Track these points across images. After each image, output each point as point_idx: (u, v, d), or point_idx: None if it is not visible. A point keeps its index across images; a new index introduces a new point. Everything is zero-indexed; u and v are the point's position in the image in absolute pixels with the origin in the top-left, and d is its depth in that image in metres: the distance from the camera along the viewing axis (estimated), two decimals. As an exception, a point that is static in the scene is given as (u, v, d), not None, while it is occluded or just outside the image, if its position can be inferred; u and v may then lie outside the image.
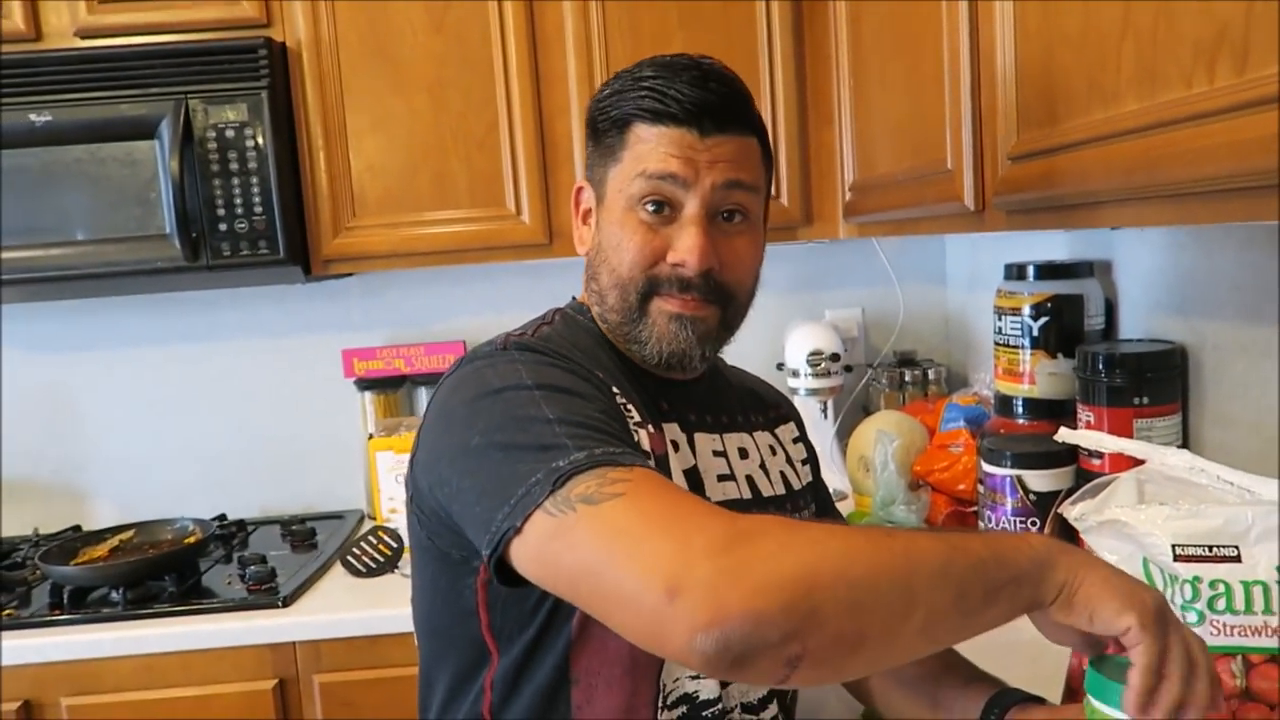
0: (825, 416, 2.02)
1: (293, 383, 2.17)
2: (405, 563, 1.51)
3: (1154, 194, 0.79)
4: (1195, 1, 0.69)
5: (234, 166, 1.70)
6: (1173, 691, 0.64)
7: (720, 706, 0.93)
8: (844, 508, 1.80)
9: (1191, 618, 0.84)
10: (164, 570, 1.68)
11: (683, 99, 0.90)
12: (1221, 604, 0.84)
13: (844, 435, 2.00)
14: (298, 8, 1.76)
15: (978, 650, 0.89)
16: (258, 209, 1.71)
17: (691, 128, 0.90)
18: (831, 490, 1.29)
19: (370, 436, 2.03)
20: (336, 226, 1.81)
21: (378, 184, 1.80)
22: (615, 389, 0.91)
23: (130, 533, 1.85)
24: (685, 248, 0.91)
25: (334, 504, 2.17)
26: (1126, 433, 1.31)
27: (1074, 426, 1.36)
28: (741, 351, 1.07)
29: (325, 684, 1.60)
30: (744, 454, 1.03)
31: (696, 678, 0.92)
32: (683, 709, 0.91)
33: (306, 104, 1.78)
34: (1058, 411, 1.51)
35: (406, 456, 0.95)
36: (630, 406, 0.91)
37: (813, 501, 1.12)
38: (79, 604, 1.65)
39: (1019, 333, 1.55)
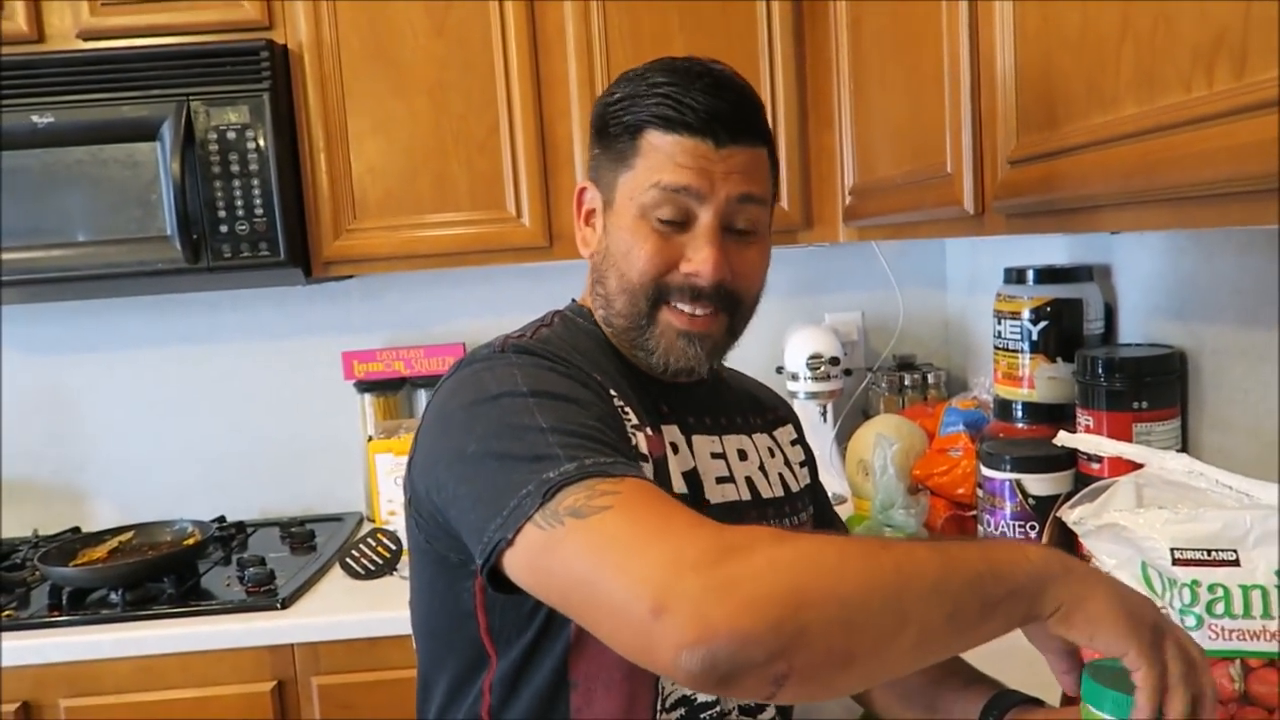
0: (825, 420, 2.02)
1: (293, 384, 2.17)
2: (404, 565, 1.51)
3: (1153, 198, 0.79)
4: (1194, 6, 0.69)
5: (235, 168, 1.71)
6: (1178, 708, 0.64)
7: (719, 709, 0.93)
8: (843, 511, 1.80)
9: (1190, 622, 0.84)
10: (163, 572, 1.68)
11: (698, 107, 0.89)
12: (1220, 608, 0.84)
13: (843, 439, 2.00)
14: (299, 10, 1.76)
15: (975, 652, 0.89)
16: (258, 211, 1.71)
17: (706, 138, 0.90)
18: (831, 494, 1.29)
19: (370, 439, 2.03)
20: (337, 229, 1.81)
21: (378, 186, 1.81)
22: (613, 391, 0.91)
23: (129, 534, 1.84)
24: (700, 260, 0.91)
25: (333, 506, 2.17)
26: (1125, 437, 1.31)
27: (1073, 430, 1.36)
28: (741, 355, 1.07)
29: (324, 686, 1.60)
30: (743, 456, 1.03)
31: (694, 681, 0.92)
32: (681, 711, 0.91)
33: (308, 106, 1.78)
34: (1057, 416, 1.51)
35: (405, 459, 0.95)
36: (628, 409, 0.91)
37: (811, 504, 1.12)
38: (78, 605, 1.65)
39: (1018, 337, 1.55)
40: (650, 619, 0.61)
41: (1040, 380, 1.54)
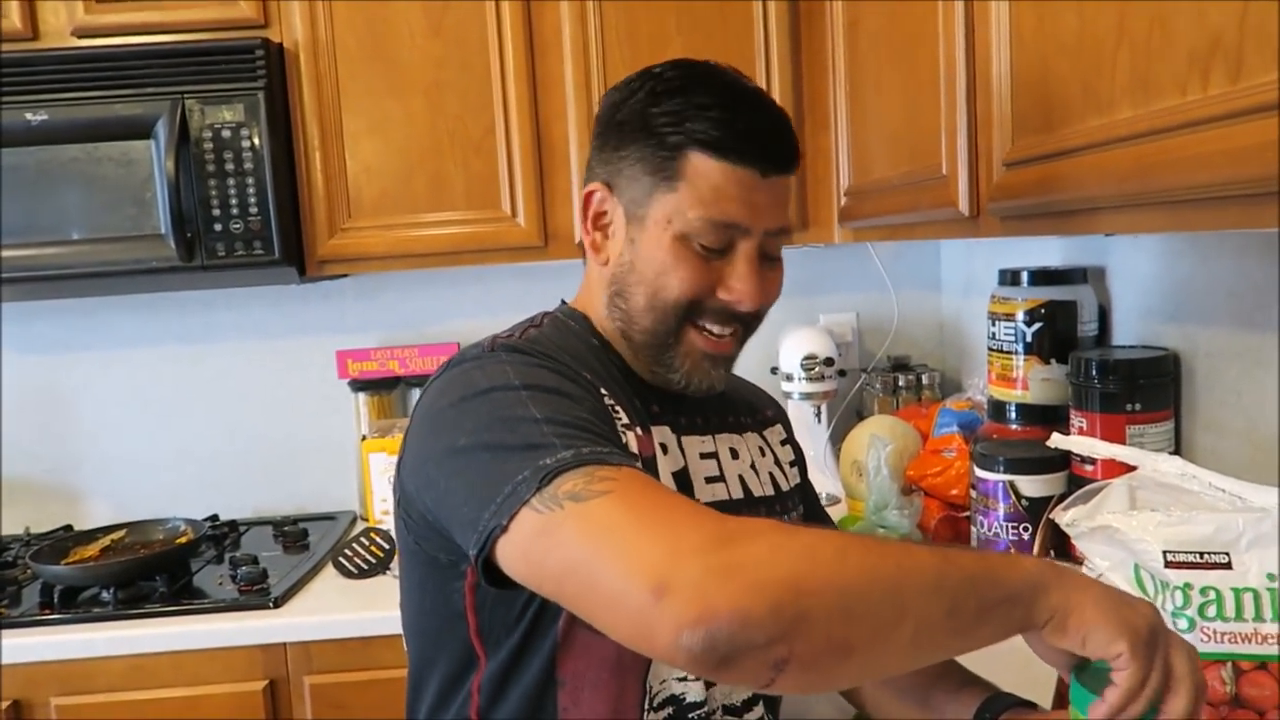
0: (819, 421, 2.02)
1: (287, 383, 2.17)
2: (397, 564, 1.51)
3: (1148, 201, 0.79)
4: (1190, 10, 0.70)
5: (230, 167, 1.70)
6: (1136, 709, 0.65)
7: (707, 709, 0.93)
8: (836, 512, 1.80)
9: (1182, 624, 0.84)
10: (155, 570, 1.68)
11: (748, 135, 0.90)
12: (1212, 610, 0.84)
13: (837, 440, 2.00)
14: (295, 9, 1.76)
15: (970, 655, 0.89)
16: (253, 209, 1.71)
17: (753, 168, 0.90)
18: (824, 495, 1.30)
19: (364, 438, 2.03)
20: (332, 228, 1.81)
21: (374, 185, 1.80)
22: (604, 391, 0.91)
23: (122, 532, 1.84)
24: (741, 290, 0.93)
25: (327, 505, 2.16)
26: (1119, 439, 1.32)
27: (1067, 432, 1.36)
28: (737, 356, 1.07)
29: (316, 685, 1.60)
30: (735, 455, 1.04)
31: (683, 679, 0.92)
32: (669, 710, 0.91)
33: (303, 105, 1.78)
34: (1051, 417, 1.51)
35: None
36: (619, 408, 0.91)
37: (801, 503, 1.13)
38: (69, 603, 1.65)
39: (1012, 338, 1.55)
40: (651, 601, 0.61)
41: (1034, 382, 1.54)
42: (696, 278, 0.92)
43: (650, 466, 0.91)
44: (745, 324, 0.97)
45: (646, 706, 0.91)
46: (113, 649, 1.56)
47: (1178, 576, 0.85)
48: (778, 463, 1.10)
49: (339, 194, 1.80)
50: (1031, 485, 1.41)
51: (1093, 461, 1.35)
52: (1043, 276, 1.55)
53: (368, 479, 1.98)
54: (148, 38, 1.74)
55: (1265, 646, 0.83)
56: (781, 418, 1.18)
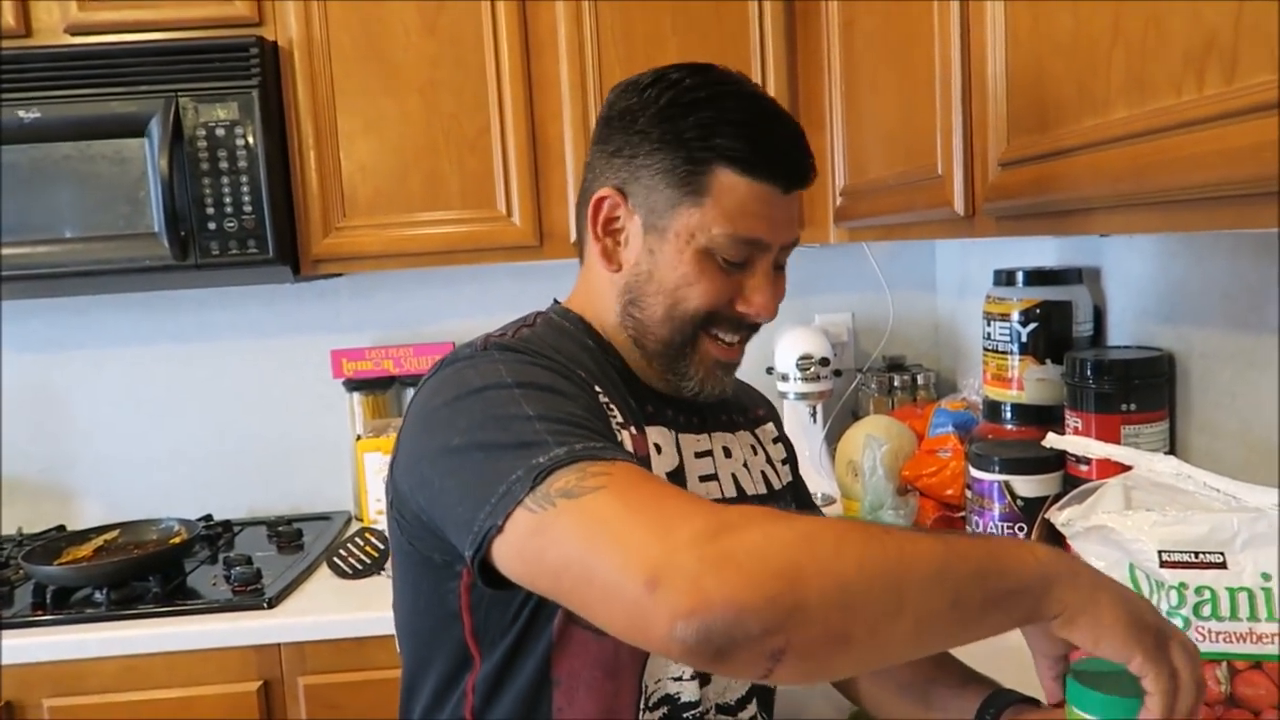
0: (814, 421, 2.02)
1: (281, 383, 2.17)
2: (390, 565, 1.51)
3: (1143, 201, 0.79)
4: (1185, 10, 0.70)
5: (224, 165, 1.70)
6: (1187, 707, 0.65)
7: (701, 709, 0.93)
8: (832, 512, 1.80)
9: (1177, 624, 0.84)
10: (148, 571, 1.67)
11: (775, 153, 0.91)
12: (1207, 610, 0.84)
13: (833, 440, 2.00)
14: (290, 7, 1.75)
15: (970, 651, 0.89)
16: (247, 208, 1.70)
17: (778, 186, 0.91)
18: (820, 495, 1.30)
19: (358, 437, 2.02)
20: (326, 226, 1.80)
21: (368, 184, 1.80)
22: (598, 389, 0.91)
23: (115, 533, 1.83)
24: (760, 303, 0.95)
25: (321, 505, 2.16)
26: (1114, 439, 1.32)
27: (1062, 432, 1.36)
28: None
29: (310, 686, 1.59)
30: (728, 453, 1.04)
31: (678, 679, 0.92)
32: (664, 710, 0.91)
33: (297, 103, 1.77)
34: (1046, 417, 1.51)
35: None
36: (613, 406, 0.91)
37: (793, 501, 1.13)
38: (62, 604, 1.64)
39: (1008, 338, 1.55)
40: (645, 593, 0.61)
41: (1029, 382, 1.54)
42: (717, 290, 0.94)
43: (644, 466, 0.91)
44: (753, 331, 1.00)
45: (641, 706, 0.90)
46: (106, 650, 1.55)
47: (1173, 576, 0.85)
48: (770, 461, 1.10)
49: (333, 193, 1.80)
50: (1027, 485, 1.41)
51: (1088, 461, 1.35)
52: (1038, 277, 1.55)
53: (362, 479, 1.97)
54: (141, 35, 1.74)
55: (1260, 646, 0.83)
56: (773, 416, 1.18)
